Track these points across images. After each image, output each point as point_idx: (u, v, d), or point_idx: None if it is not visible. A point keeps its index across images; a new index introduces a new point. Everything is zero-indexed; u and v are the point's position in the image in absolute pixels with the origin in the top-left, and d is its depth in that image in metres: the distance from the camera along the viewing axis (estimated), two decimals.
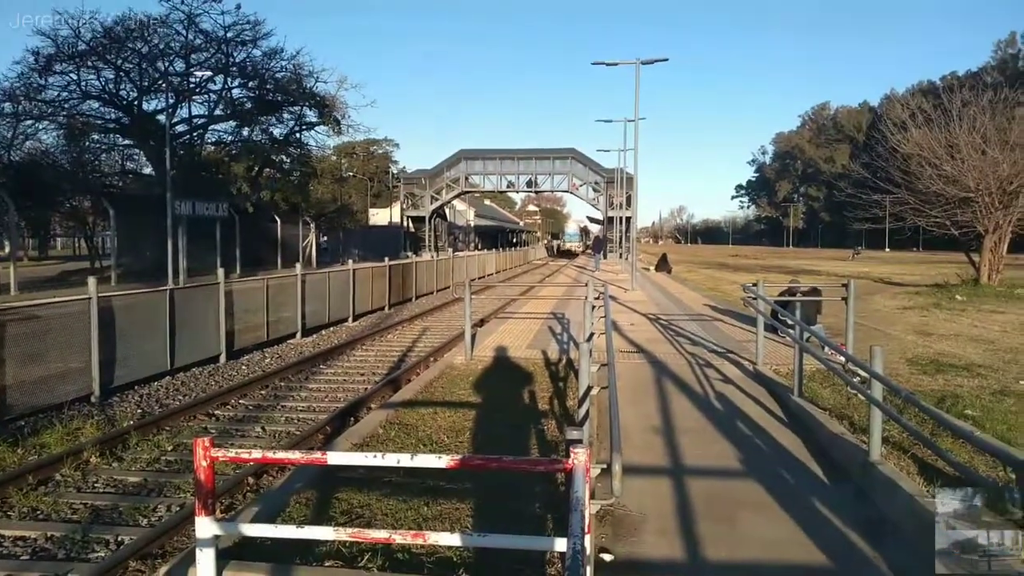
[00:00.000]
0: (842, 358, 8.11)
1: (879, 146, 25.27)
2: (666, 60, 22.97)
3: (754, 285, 10.28)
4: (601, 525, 4.41)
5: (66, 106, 30.40)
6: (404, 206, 59.47)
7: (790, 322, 8.62)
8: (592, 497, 3.19)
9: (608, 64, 23.66)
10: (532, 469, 4.84)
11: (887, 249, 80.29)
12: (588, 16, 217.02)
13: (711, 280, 32.27)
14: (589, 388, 5.02)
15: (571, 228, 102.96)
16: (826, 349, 8.51)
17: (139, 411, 9.33)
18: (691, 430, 6.69)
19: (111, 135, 32.70)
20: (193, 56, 31.61)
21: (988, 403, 7.54)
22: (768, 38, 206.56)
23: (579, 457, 2.55)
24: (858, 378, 6.85)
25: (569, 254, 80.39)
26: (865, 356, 5.16)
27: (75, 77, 29.84)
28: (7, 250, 28.09)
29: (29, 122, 29.98)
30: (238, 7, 30.74)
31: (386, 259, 23.02)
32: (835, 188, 67.52)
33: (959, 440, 5.14)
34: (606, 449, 4.63)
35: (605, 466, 3.48)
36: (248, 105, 33.63)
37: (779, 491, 5.09)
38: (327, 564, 3.94)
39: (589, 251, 69.96)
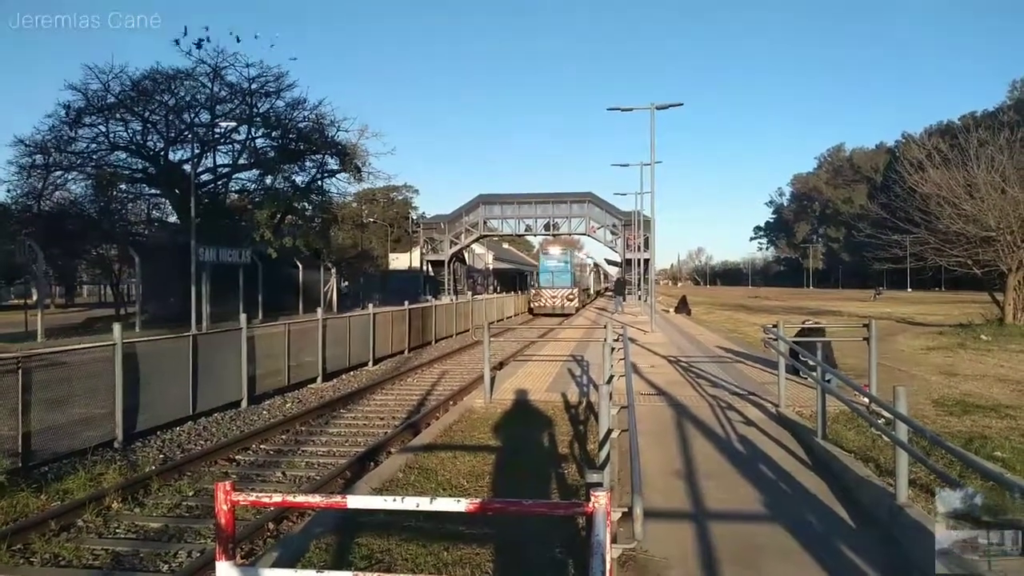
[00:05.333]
0: (866, 399, 8.01)
1: (897, 186, 25.25)
2: (680, 105, 23.09)
3: (774, 327, 10.22)
4: (623, 570, 4.36)
5: (95, 157, 31.21)
6: (424, 250, 59.97)
7: (811, 363, 8.54)
8: (614, 541, 3.16)
9: (624, 109, 23.95)
10: (552, 513, 4.81)
11: (909, 289, 79.43)
12: (604, 62, 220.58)
13: (731, 322, 32.06)
14: (609, 431, 5.00)
15: (552, 258, 43.61)
16: (849, 390, 8.40)
17: (161, 456, 9.39)
18: (713, 473, 6.61)
19: (138, 185, 33.47)
20: (218, 107, 32.45)
21: (1018, 444, 7.39)
22: (782, 81, 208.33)
23: (599, 500, 2.54)
24: (882, 420, 6.76)
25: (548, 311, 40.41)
26: (889, 397, 5.10)
27: (104, 129, 30.73)
28: (35, 297, 28.60)
29: (59, 173, 30.75)
30: (265, 38, 31.55)
31: (406, 303, 23.15)
32: (854, 228, 67.21)
33: (988, 482, 5.03)
34: (628, 493, 4.59)
35: (627, 510, 3.46)
36: (271, 154, 34.31)
37: (805, 536, 5.00)
38: None
39: (610, 292, 69.68)
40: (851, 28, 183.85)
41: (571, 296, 41.47)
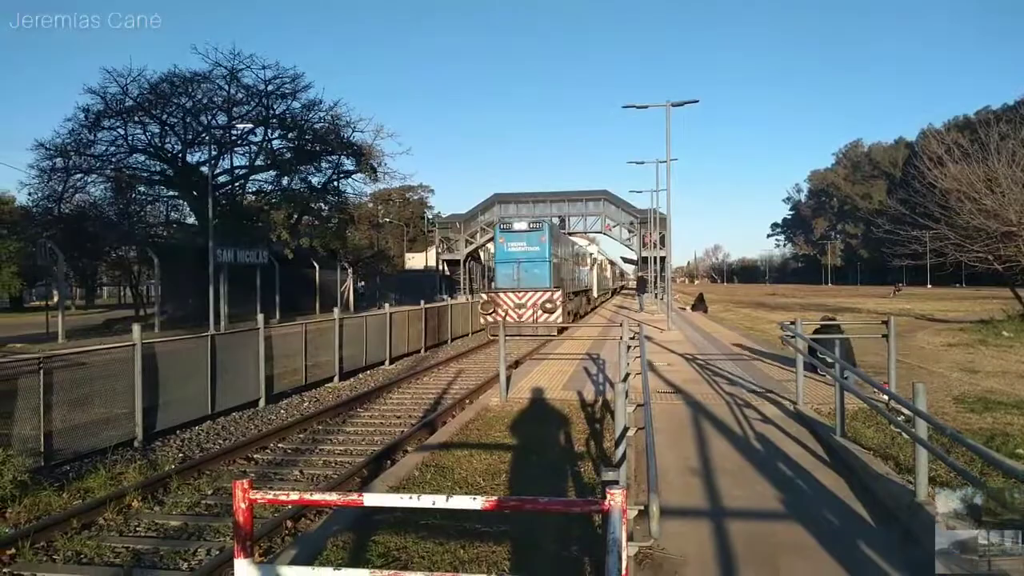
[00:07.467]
0: (885, 396, 7.93)
1: (916, 181, 24.91)
2: (696, 102, 22.96)
3: (792, 324, 10.14)
4: (640, 568, 4.34)
5: (114, 160, 31.63)
6: (439, 250, 60.23)
7: (830, 360, 8.47)
8: (630, 539, 3.15)
9: (639, 107, 23.79)
10: (568, 510, 4.80)
11: (929, 285, 78.54)
12: (619, 59, 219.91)
13: (748, 319, 31.85)
14: (625, 429, 4.98)
15: (516, 236, 25.50)
16: (868, 387, 8.32)
17: (180, 455, 9.47)
18: (730, 471, 6.57)
19: (156, 187, 33.87)
20: (235, 109, 32.75)
21: None
22: (799, 76, 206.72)
23: (615, 498, 2.53)
24: (902, 417, 6.69)
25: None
26: (908, 394, 5.05)
27: (122, 132, 31.13)
28: (56, 299, 28.98)
29: (78, 176, 31.18)
30: (273, 35, 31.83)
31: (422, 302, 23.20)
32: (873, 225, 66.38)
33: (1011, 480, 4.97)
34: (644, 491, 4.58)
35: (643, 508, 3.45)
36: (288, 155, 34.60)
37: (823, 533, 4.96)
38: None
39: (626, 291, 69.36)
40: (868, 22, 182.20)
41: (550, 304, 24.57)
